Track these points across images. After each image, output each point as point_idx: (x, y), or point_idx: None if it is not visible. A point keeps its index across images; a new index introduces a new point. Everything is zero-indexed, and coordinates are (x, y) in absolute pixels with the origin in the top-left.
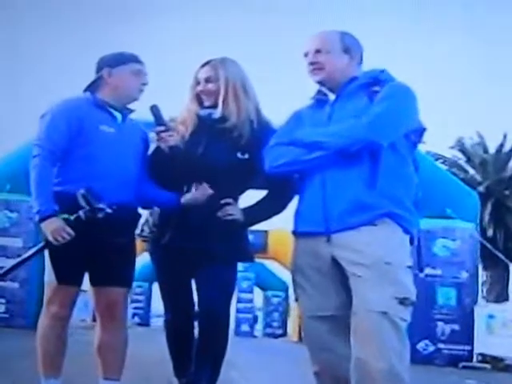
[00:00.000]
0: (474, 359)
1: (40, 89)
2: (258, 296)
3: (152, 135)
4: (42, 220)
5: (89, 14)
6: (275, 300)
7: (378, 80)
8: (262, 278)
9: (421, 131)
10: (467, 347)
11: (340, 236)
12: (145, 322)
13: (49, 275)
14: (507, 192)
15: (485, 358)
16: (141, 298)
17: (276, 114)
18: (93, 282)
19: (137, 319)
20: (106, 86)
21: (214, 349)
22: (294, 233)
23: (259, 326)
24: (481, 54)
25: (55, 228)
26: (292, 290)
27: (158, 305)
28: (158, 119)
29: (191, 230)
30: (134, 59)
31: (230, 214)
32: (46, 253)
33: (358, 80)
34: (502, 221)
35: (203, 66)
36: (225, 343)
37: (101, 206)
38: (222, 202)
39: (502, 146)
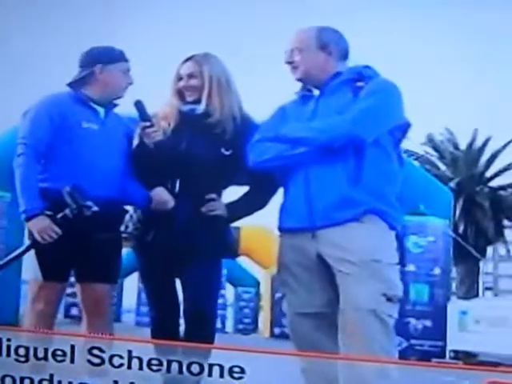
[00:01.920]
0: (447, 355)
1: (10, 82)
2: (228, 292)
3: (137, 131)
4: (29, 219)
5: (73, 8)
6: (246, 296)
7: (362, 76)
8: (233, 274)
9: (405, 127)
10: (440, 343)
11: (325, 232)
12: (116, 317)
13: (33, 272)
14: (478, 188)
15: (457, 354)
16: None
17: (258, 109)
18: (78, 279)
19: None
20: (95, 81)
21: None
22: (280, 229)
23: (230, 322)
24: (452, 50)
25: (42, 227)
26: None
27: (129, 300)
28: (143, 115)
29: (176, 226)
30: (123, 57)
31: (214, 210)
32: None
33: (342, 75)
34: (472, 217)
35: (185, 61)
36: (211, 340)
37: (88, 203)
38: (206, 197)
39: (472, 141)
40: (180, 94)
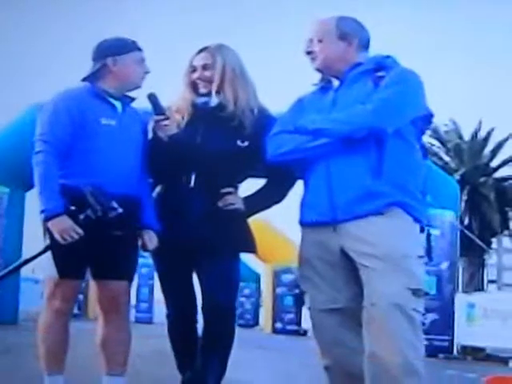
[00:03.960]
0: (455, 350)
1: (10, 81)
2: None
3: (151, 124)
4: (48, 219)
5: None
6: (247, 291)
7: (383, 65)
8: None
9: (428, 118)
10: (447, 337)
11: (347, 226)
12: None
13: (49, 270)
14: (482, 179)
15: (465, 348)
16: None
17: (274, 101)
18: (94, 276)
19: None
20: (109, 74)
21: (220, 342)
22: (301, 223)
23: None
24: (456, 39)
25: (63, 228)
26: (299, 283)
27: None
28: (157, 108)
29: (192, 220)
30: (135, 47)
31: (232, 204)
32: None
33: (362, 66)
34: (477, 208)
35: (199, 52)
36: (231, 336)
37: (113, 205)
38: (223, 191)
39: (476, 132)
40: (193, 85)
